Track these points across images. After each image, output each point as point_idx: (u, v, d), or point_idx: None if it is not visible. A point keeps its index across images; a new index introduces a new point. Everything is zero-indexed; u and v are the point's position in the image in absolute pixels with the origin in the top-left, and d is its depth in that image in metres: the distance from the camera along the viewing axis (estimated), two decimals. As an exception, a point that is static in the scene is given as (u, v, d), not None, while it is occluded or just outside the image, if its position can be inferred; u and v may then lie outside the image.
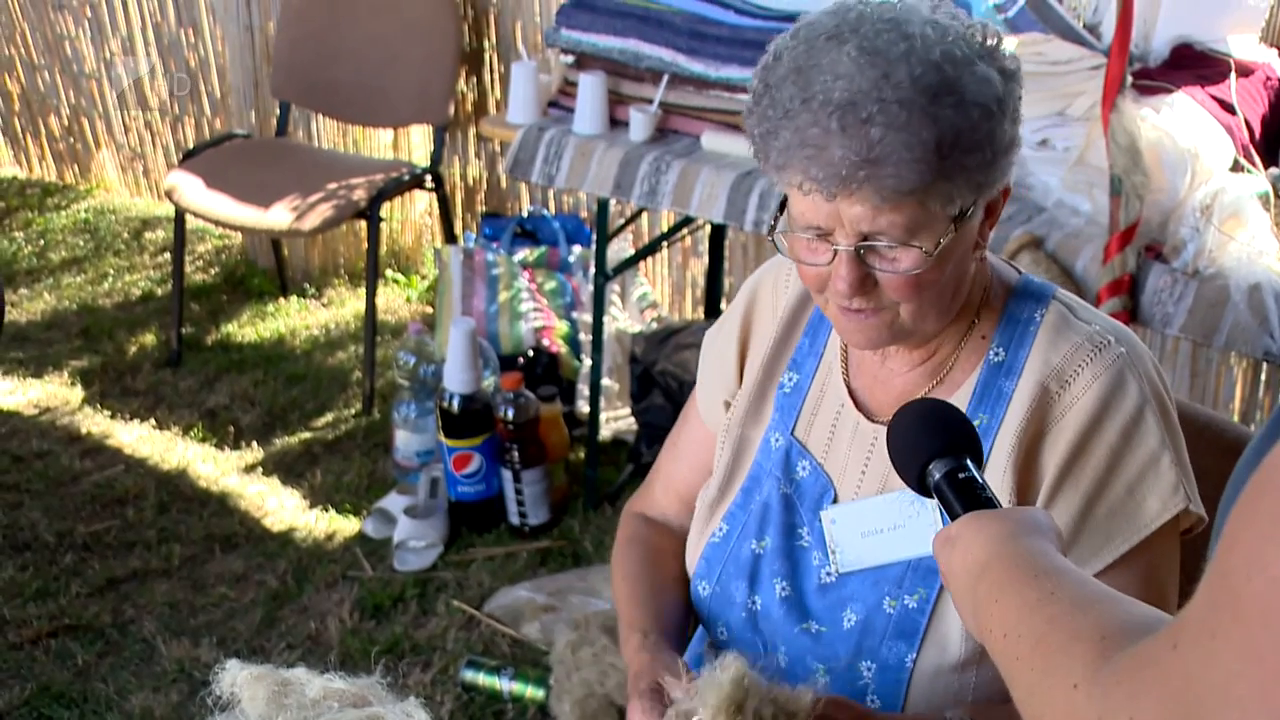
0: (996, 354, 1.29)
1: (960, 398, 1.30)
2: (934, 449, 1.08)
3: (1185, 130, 2.31)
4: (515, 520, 3.38)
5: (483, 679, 2.79)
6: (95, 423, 3.90)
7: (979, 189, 1.21)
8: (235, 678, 1.44)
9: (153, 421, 3.89)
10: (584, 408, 3.68)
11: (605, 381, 3.66)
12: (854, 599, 1.27)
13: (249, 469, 3.71)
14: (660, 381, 3.47)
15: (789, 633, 1.30)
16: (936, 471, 1.08)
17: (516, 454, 3.31)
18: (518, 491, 3.34)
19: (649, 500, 1.54)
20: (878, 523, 1.29)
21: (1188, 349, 3.09)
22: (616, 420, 3.74)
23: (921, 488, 1.10)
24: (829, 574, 1.29)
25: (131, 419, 3.90)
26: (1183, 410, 1.39)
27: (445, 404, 3.30)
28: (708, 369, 1.49)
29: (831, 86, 1.15)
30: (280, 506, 3.54)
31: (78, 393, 4.04)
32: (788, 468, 1.35)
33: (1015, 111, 1.21)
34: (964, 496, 1.05)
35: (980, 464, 1.08)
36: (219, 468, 3.70)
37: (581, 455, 3.58)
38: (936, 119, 1.14)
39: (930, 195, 1.17)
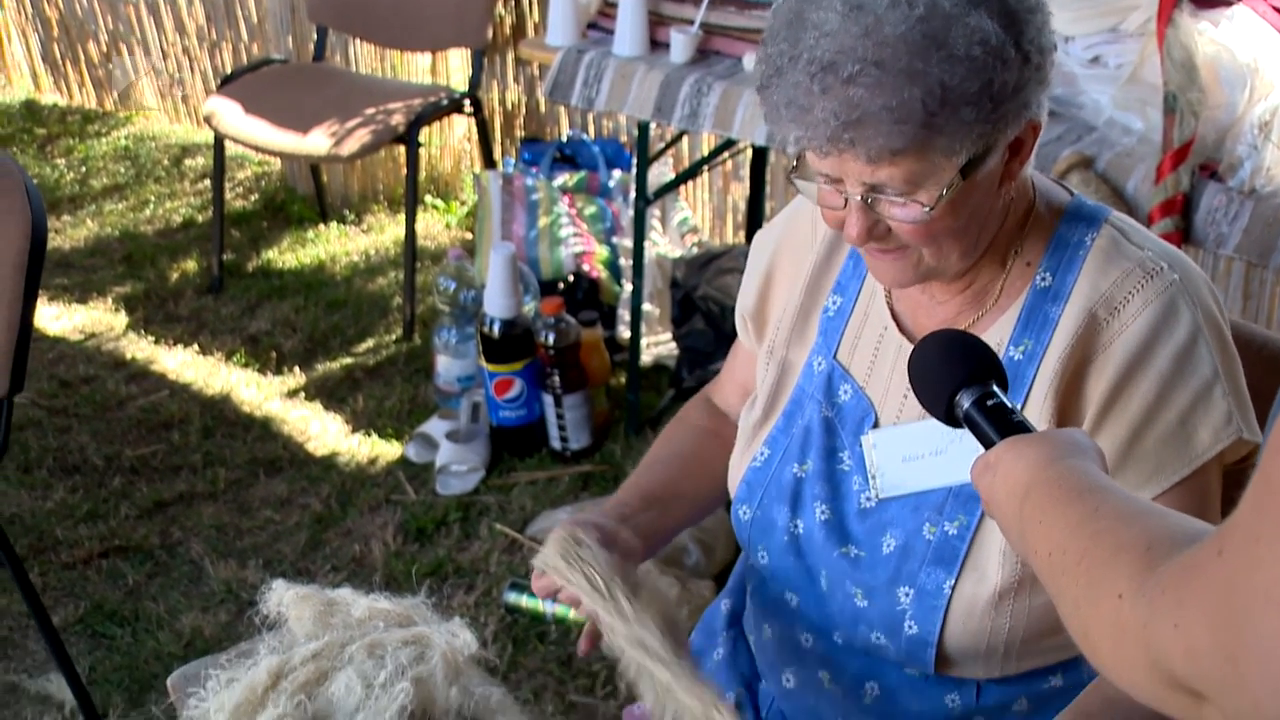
0: (1043, 279, 1.27)
1: (1004, 324, 1.28)
2: (958, 379, 1.07)
3: (1245, 44, 2.25)
4: (557, 445, 3.40)
5: (525, 601, 2.80)
6: (139, 348, 3.94)
7: (984, 138, 1.16)
8: (282, 597, 1.46)
9: (196, 347, 3.92)
10: (625, 333, 3.68)
11: (646, 306, 3.65)
12: (894, 524, 1.27)
13: (291, 394, 3.74)
14: (701, 306, 3.46)
15: (829, 556, 1.30)
16: (965, 401, 1.06)
17: (557, 379, 3.32)
18: (559, 416, 3.35)
19: (718, 387, 1.56)
20: (919, 448, 1.28)
21: (1241, 270, 3.05)
22: (657, 345, 3.74)
23: (951, 420, 1.09)
24: (869, 499, 1.29)
25: (175, 344, 3.94)
26: (1238, 330, 1.37)
27: (486, 329, 3.31)
28: (743, 281, 1.49)
29: (816, 44, 1.12)
30: (323, 431, 3.57)
31: (121, 319, 4.08)
32: (829, 391, 1.34)
33: (1028, 51, 1.16)
34: (997, 423, 1.04)
35: (1006, 389, 1.07)
36: (262, 393, 3.73)
37: (622, 380, 3.58)
38: (923, 76, 1.10)
39: (926, 150, 1.14)
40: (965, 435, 1.26)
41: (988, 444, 1.03)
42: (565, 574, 1.32)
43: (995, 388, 1.05)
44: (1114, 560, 0.81)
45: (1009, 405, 1.05)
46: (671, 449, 1.52)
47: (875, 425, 1.31)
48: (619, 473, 3.30)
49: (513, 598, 2.86)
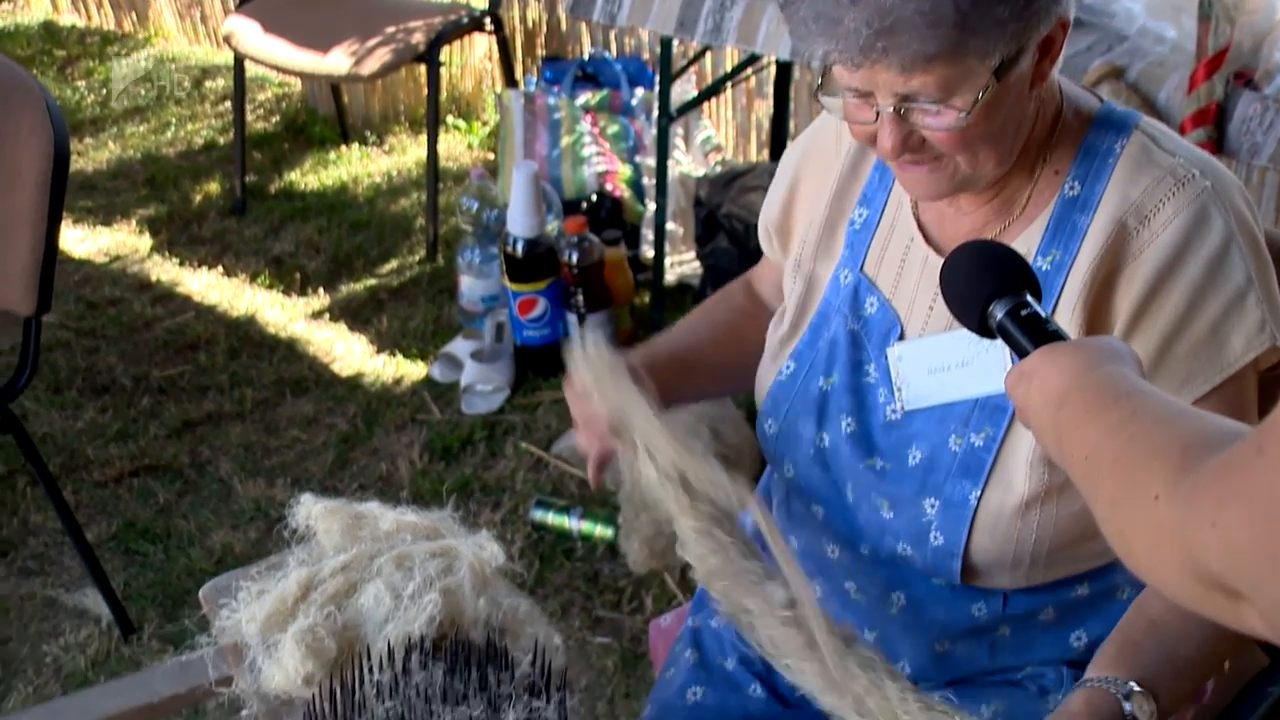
0: (1071, 188, 1.24)
1: (1032, 234, 1.26)
2: (991, 289, 1.05)
3: (1281, -52, 2.20)
4: (581, 364, 3.40)
5: (552, 518, 2.84)
6: (164, 270, 3.95)
7: (1019, 35, 1.14)
8: (310, 511, 1.47)
9: (220, 269, 3.93)
10: (648, 252, 3.66)
11: (669, 225, 3.63)
12: (919, 436, 1.26)
13: (316, 315, 3.75)
14: (725, 224, 3.44)
15: (855, 469, 1.30)
16: (998, 311, 1.05)
17: (581, 298, 3.31)
18: (583, 335, 3.35)
19: (759, 276, 1.56)
20: (945, 359, 1.27)
21: (1275, 181, 3.00)
22: (681, 265, 3.72)
23: (984, 330, 1.08)
24: (894, 411, 1.28)
25: (199, 266, 3.95)
26: (1271, 239, 1.35)
27: (509, 248, 3.30)
28: (767, 194, 1.48)
29: None
30: (348, 352, 3.58)
31: (146, 241, 4.08)
32: (856, 304, 1.33)
33: None
34: (1031, 332, 1.03)
35: (1040, 299, 1.06)
36: (286, 314, 3.74)
37: (646, 300, 3.58)
38: None
39: (960, 54, 1.12)
40: (992, 346, 1.25)
41: (1022, 354, 1.02)
42: (607, 385, 1.29)
43: (1029, 298, 1.04)
44: (1150, 462, 0.80)
45: (1043, 315, 1.03)
46: (706, 318, 1.53)
47: (901, 338, 1.30)
48: (643, 391, 3.31)
49: (539, 515, 2.89)
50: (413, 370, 3.48)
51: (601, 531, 2.79)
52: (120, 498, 3.05)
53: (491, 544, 1.43)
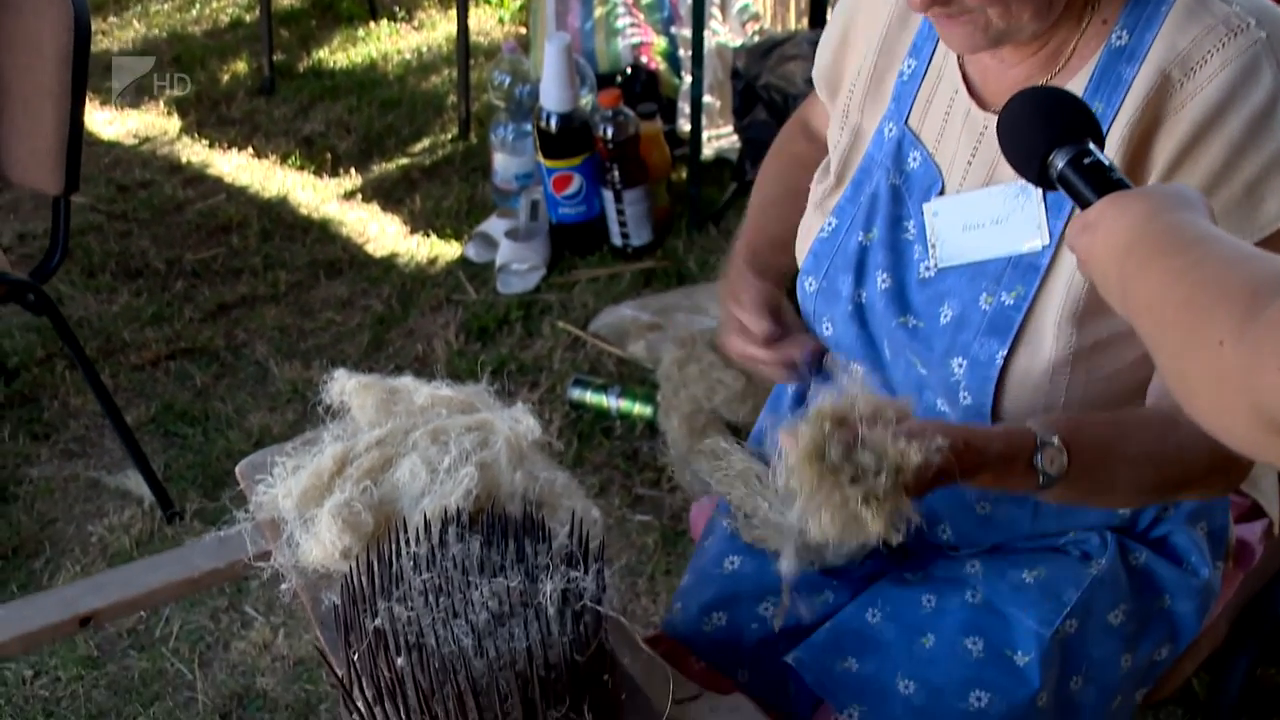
0: (1119, 37, 1.19)
1: (1075, 87, 1.21)
2: (1053, 137, 1.01)
3: None
4: (618, 241, 3.37)
5: (590, 397, 2.84)
6: (194, 152, 3.93)
7: None
8: (344, 386, 1.46)
9: (250, 150, 3.90)
10: (685, 126, 3.60)
11: (706, 98, 3.56)
12: (951, 294, 1.24)
13: (348, 196, 3.73)
14: (764, 96, 3.37)
15: (889, 326, 1.28)
16: (1059, 160, 1.01)
17: (617, 173, 3.27)
18: (619, 212, 3.32)
19: (811, 106, 1.52)
20: (979, 216, 1.24)
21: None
22: (719, 139, 3.67)
23: (1044, 181, 1.04)
24: (928, 268, 1.26)
25: (229, 148, 3.92)
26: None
27: (543, 124, 3.25)
28: (819, 42, 1.45)
29: None
30: (381, 233, 3.57)
31: (175, 122, 4.06)
32: (899, 158, 1.30)
33: None
34: (1094, 181, 0.99)
35: (1102, 145, 1.02)
36: (318, 195, 3.72)
37: (684, 175, 3.53)
38: None
39: None
40: (1028, 203, 1.22)
41: (1084, 204, 0.98)
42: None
43: (1091, 145, 1.00)
44: (1216, 307, 0.78)
45: (1106, 163, 1.00)
46: (783, 186, 1.50)
47: (941, 194, 1.27)
48: (680, 268, 3.28)
49: (577, 393, 2.89)
50: (447, 250, 3.47)
51: (640, 409, 2.79)
52: (158, 381, 3.07)
53: (528, 417, 1.43)
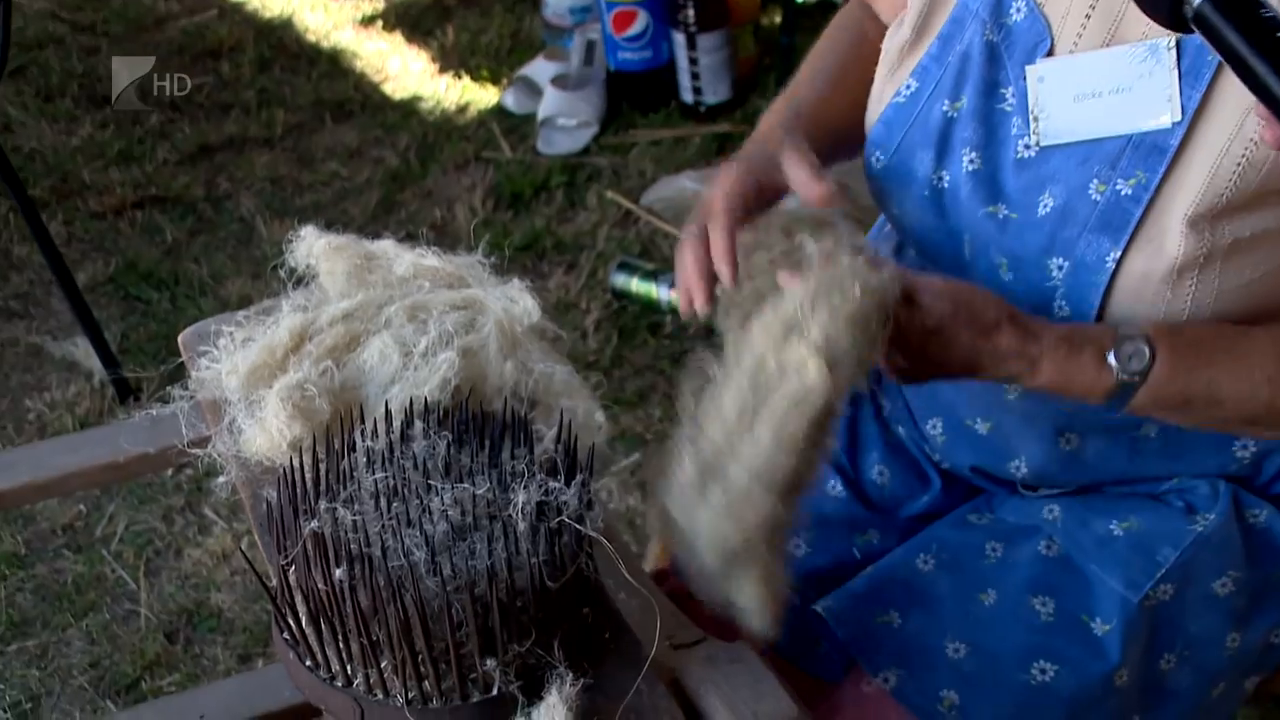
0: None
1: None
2: None
3: None
4: (688, 97, 3.37)
5: (637, 285, 2.86)
6: (183, -44, 3.97)
7: None
8: (311, 247, 1.49)
9: (251, -43, 3.94)
10: (783, -43, 3.57)
11: (812, -76, 3.53)
12: (1054, 179, 1.23)
13: (366, 22, 3.75)
14: (883, -75, 3.33)
15: (974, 215, 1.27)
16: None
17: (692, 12, 3.25)
18: (692, 61, 3.31)
19: None
20: (1096, 84, 1.22)
21: None
22: (823, -25, 3.63)
23: (1177, 22, 1.03)
24: (1028, 146, 1.25)
25: (226, -47, 3.96)
26: None
27: (604, -56, 3.25)
28: None
29: None
30: (403, 70, 3.59)
31: (162, -81, 4.10)
32: (999, 8, 1.28)
33: None
34: (1242, 23, 0.97)
35: None
36: (331, 19, 3.75)
37: (775, 19, 3.50)
38: None
39: None
40: (1158, 68, 1.20)
41: (1227, 54, 0.97)
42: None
43: None
44: None
45: None
46: (837, 58, 1.49)
47: (1050, 54, 1.26)
48: (762, 134, 3.27)
49: (622, 280, 2.91)
50: (481, 96, 3.48)
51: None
52: (120, 233, 3.14)
53: (525, 296, 1.44)
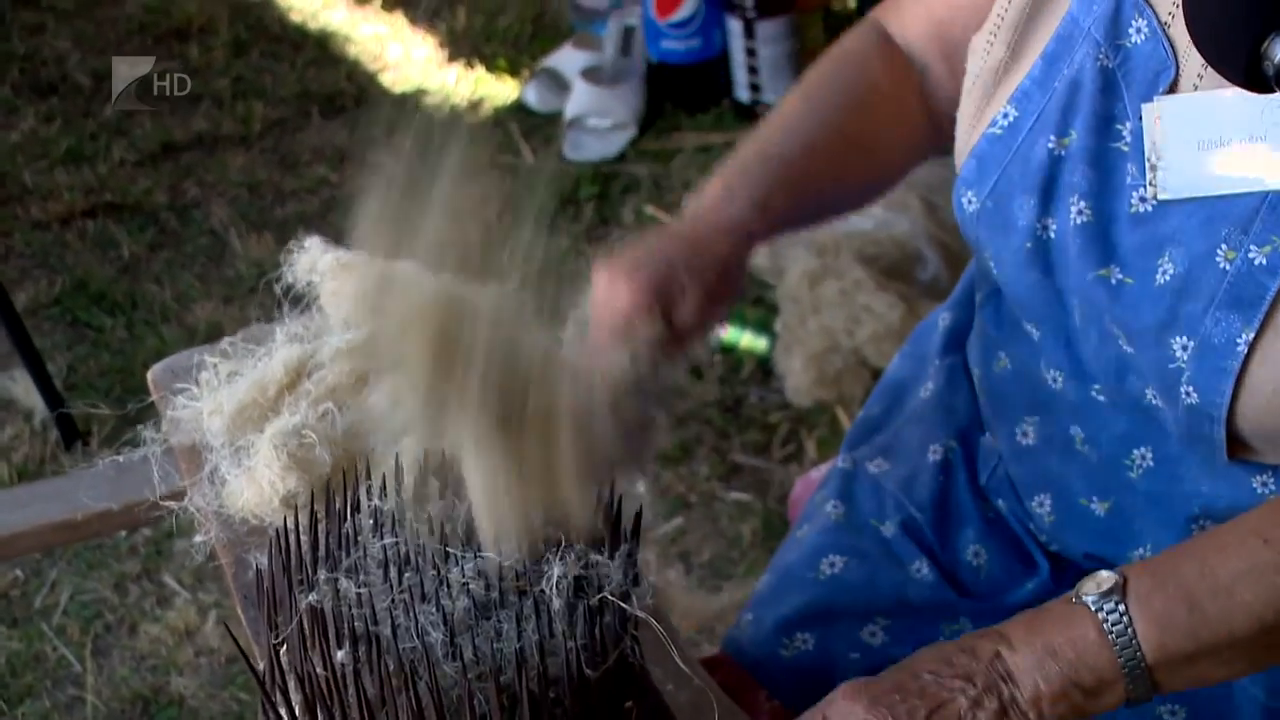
0: None
1: None
2: (1265, 18, 1.03)
3: None
4: (744, 95, 3.39)
5: (680, 318, 2.87)
6: (147, -80, 4.02)
7: None
8: (316, 263, 1.50)
9: (227, -78, 3.98)
10: (859, -69, 3.60)
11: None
12: (1174, 240, 1.22)
13: (362, 0, 3.78)
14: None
15: (1082, 278, 1.27)
16: (1278, 51, 1.03)
17: (751, -5, 3.29)
18: (749, 52, 3.33)
19: (896, 9, 1.51)
20: (1225, 130, 1.21)
21: None
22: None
23: (1254, 80, 1.05)
24: (1144, 199, 1.25)
25: (197, -83, 4.00)
26: None
27: (648, -87, 3.28)
28: None
29: None
30: (404, 58, 3.62)
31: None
32: (1115, 26, 1.28)
33: None
34: None
35: None
36: (319, -4, 3.79)
37: (850, 4, 3.53)
38: None
39: None
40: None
41: None
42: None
43: None
44: None
45: None
46: (828, 114, 1.45)
47: (1173, 88, 1.27)
48: (832, 141, 3.29)
49: (662, 312, 2.93)
50: (497, 91, 3.51)
51: (750, 341, 2.82)
52: (68, 245, 3.16)
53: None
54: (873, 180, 1.47)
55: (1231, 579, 1.08)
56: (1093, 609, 1.07)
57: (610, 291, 1.27)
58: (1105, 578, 1.08)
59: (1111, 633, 1.06)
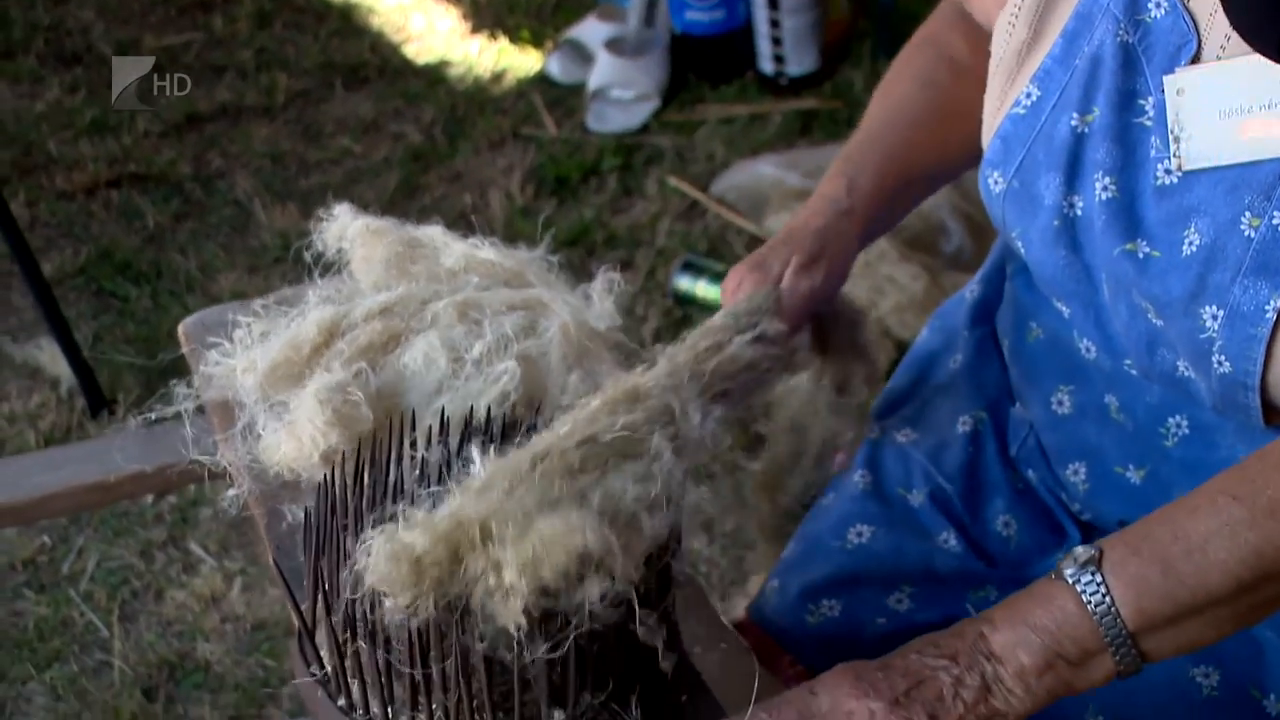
0: None
1: None
2: None
3: None
4: (767, 67, 3.38)
5: (703, 288, 2.87)
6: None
7: None
8: (345, 229, 1.50)
9: (250, -107, 3.98)
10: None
11: None
12: (1200, 211, 1.22)
13: (385, -29, 3.79)
14: None
15: (1109, 253, 1.27)
16: None
17: (775, -34, 3.29)
18: (773, 24, 3.32)
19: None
20: (1246, 98, 1.22)
21: None
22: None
23: None
24: (1169, 171, 1.25)
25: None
26: None
27: (673, -116, 3.27)
28: None
29: None
30: (428, 29, 3.62)
31: None
32: (1135, 2, 1.29)
33: None
34: None
35: None
36: (343, -34, 3.79)
37: (874, -24, 3.53)
38: None
39: None
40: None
41: None
42: None
43: None
44: None
45: None
46: (919, 102, 1.50)
47: (1195, 61, 1.26)
48: (854, 112, 3.28)
49: (685, 282, 2.93)
50: (520, 62, 3.51)
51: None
52: (94, 215, 3.17)
53: (603, 299, 1.46)
54: (970, 148, 1.49)
55: (1204, 538, 1.09)
56: (1070, 582, 1.08)
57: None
58: (1081, 552, 1.09)
59: (1090, 602, 1.07)
